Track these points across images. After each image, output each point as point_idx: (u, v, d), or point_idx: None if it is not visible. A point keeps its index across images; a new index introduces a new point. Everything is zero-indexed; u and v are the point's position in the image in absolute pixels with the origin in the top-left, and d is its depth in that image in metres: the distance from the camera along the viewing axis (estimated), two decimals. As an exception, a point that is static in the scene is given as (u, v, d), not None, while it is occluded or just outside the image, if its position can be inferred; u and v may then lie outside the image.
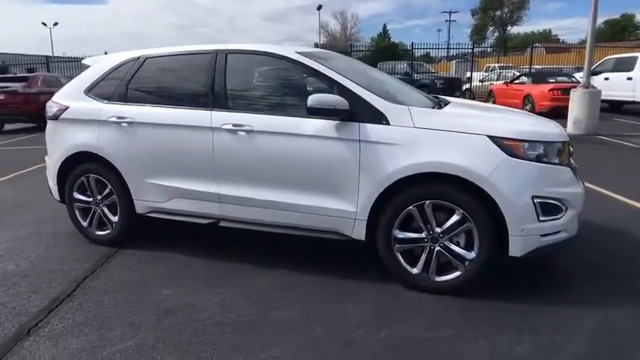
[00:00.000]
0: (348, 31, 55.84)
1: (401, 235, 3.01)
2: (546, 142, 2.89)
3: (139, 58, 3.86)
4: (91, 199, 3.98)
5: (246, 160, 3.35)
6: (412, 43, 20.10)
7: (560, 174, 2.91)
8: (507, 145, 2.81)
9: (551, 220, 2.84)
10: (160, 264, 3.53)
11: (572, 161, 3.15)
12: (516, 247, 2.82)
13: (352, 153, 3.03)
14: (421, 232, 2.98)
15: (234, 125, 3.32)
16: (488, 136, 2.82)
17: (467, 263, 2.92)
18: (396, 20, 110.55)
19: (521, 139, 2.83)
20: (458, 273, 2.95)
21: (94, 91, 3.92)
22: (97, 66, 4.03)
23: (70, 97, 4.02)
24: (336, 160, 3.08)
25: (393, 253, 3.05)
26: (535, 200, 2.77)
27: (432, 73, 21.24)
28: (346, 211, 3.12)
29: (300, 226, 3.29)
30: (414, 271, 3.02)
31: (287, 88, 3.49)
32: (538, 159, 2.83)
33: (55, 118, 3.99)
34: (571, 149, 3.18)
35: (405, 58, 22.53)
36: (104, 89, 3.89)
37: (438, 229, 2.95)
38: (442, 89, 15.55)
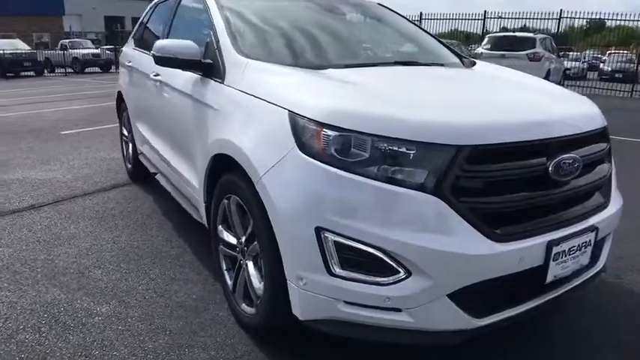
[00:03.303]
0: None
1: (224, 234, 2.24)
2: (392, 139, 1.52)
3: (154, 2, 3.99)
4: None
5: (156, 114, 3.16)
6: None
7: (402, 204, 1.50)
8: (305, 131, 1.64)
9: (364, 280, 1.55)
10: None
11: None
12: (296, 304, 1.70)
13: (198, 117, 2.39)
14: (237, 238, 2.14)
15: (154, 75, 3.08)
16: (290, 112, 1.70)
17: (258, 300, 1.95)
18: None
19: (328, 125, 1.59)
20: (253, 310, 2.01)
21: (135, 37, 4.29)
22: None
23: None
24: (189, 124, 2.50)
25: (217, 252, 2.31)
26: (323, 235, 1.56)
27: None
28: (195, 187, 2.53)
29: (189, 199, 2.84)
30: (230, 286, 2.22)
31: (194, 33, 2.95)
32: (354, 166, 1.54)
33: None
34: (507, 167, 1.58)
35: None
36: (136, 34, 4.21)
37: (243, 238, 2.05)
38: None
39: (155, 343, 2.02)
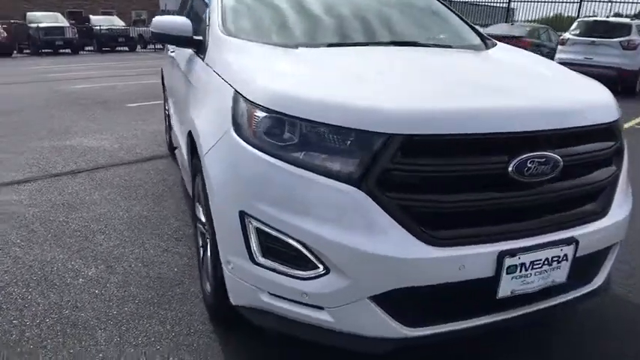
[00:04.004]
0: None
1: (198, 210, 2.23)
2: (320, 123, 1.39)
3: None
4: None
5: (172, 89, 3.21)
6: None
7: (324, 195, 1.37)
8: (240, 111, 1.56)
9: (284, 272, 1.46)
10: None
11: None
12: (228, 288, 1.65)
13: (185, 93, 2.40)
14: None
15: (171, 52, 3.15)
16: (234, 91, 1.63)
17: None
18: None
19: (259, 105, 1.49)
20: (210, 290, 1.99)
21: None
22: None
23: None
24: (182, 100, 2.53)
25: (195, 229, 2.32)
26: (247, 221, 1.48)
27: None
28: (185, 164, 2.56)
29: None
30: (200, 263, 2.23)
31: (200, 12, 2.92)
32: (281, 151, 1.43)
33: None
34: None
35: None
36: (176, 14, 4.33)
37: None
38: None
39: (119, 310, 2.10)
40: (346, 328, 1.44)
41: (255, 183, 1.46)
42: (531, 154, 1.41)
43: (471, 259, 1.38)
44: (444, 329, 1.47)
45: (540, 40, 11.67)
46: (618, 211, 1.69)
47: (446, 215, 1.38)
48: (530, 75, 1.91)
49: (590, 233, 1.57)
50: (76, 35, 18.50)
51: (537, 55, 2.32)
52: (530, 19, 18.39)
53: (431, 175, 1.36)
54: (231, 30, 2.17)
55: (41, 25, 17.62)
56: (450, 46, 2.38)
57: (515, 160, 1.39)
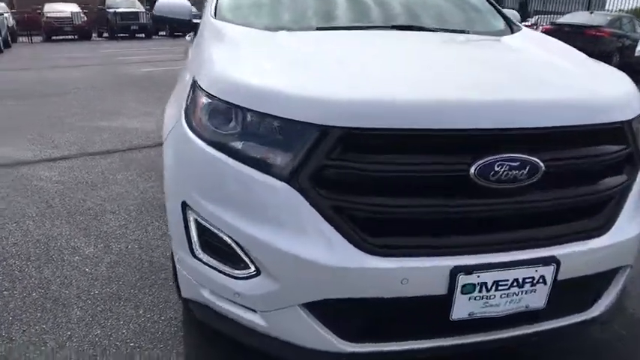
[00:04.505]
0: None
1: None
2: (260, 113, 1.26)
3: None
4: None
5: None
6: None
7: (255, 190, 1.25)
8: (192, 97, 1.49)
9: (219, 269, 1.37)
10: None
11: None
12: (179, 279, 1.60)
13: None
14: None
15: (189, 36, 3.15)
16: (194, 80, 1.54)
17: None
18: None
19: (205, 92, 1.40)
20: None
21: None
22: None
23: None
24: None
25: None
26: (187, 213, 1.41)
27: None
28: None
29: None
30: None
31: None
32: (222, 141, 1.32)
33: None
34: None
35: None
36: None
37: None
38: None
39: (101, 291, 2.14)
40: (280, 335, 1.34)
41: (195, 173, 1.38)
42: (499, 155, 1.20)
43: (417, 273, 1.21)
44: (388, 348, 1.31)
45: (623, 31, 10.47)
46: (625, 229, 1.42)
47: (389, 221, 1.22)
48: (531, 66, 1.66)
49: (579, 253, 1.33)
50: (150, 20, 19.43)
51: (563, 45, 2.01)
52: (623, 8, 16.62)
53: (373, 175, 1.20)
54: (223, 12, 2.10)
55: (118, 10, 18.71)
56: (464, 31, 2.14)
57: (479, 163, 1.19)
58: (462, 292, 1.24)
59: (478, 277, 1.23)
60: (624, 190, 1.42)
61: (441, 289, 1.23)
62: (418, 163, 1.20)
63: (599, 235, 1.37)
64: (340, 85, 1.26)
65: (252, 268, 1.30)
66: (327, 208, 1.20)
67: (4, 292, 2.12)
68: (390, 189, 1.21)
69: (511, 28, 2.31)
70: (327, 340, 1.29)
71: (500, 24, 2.35)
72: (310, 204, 1.20)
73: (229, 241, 1.31)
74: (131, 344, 1.82)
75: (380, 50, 1.69)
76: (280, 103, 1.24)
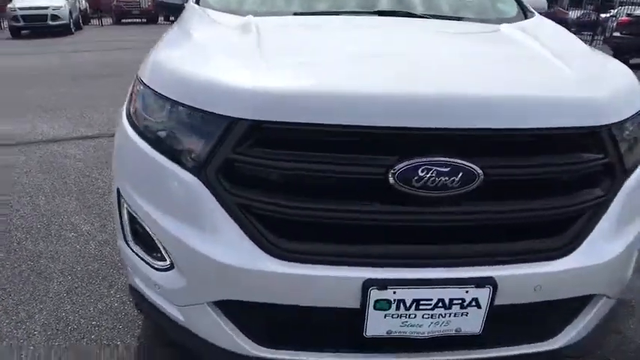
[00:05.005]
0: None
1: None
2: (177, 102, 1.21)
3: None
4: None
5: None
6: None
7: (167, 181, 1.22)
8: (133, 87, 1.47)
9: (144, 259, 1.36)
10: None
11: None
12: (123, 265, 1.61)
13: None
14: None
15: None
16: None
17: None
18: None
19: (139, 79, 1.39)
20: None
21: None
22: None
23: None
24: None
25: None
26: (121, 200, 1.41)
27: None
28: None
29: None
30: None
31: None
32: (147, 129, 1.30)
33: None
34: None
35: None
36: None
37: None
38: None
39: (83, 267, 2.22)
40: (199, 332, 1.30)
41: (126, 162, 1.39)
42: (425, 159, 1.07)
43: (324, 283, 1.12)
44: (299, 358, 1.23)
45: None
46: (596, 252, 1.23)
47: (299, 225, 1.13)
48: (504, 58, 1.47)
49: (525, 276, 1.17)
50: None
51: (569, 37, 1.77)
52: None
53: (281, 173, 1.12)
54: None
55: (183, -6, 19.35)
56: (459, 18, 1.96)
57: (400, 166, 1.07)
58: (376, 308, 1.13)
59: (394, 293, 1.12)
60: (598, 207, 1.23)
61: (352, 303, 1.14)
62: (330, 163, 1.10)
63: (556, 257, 1.19)
64: (259, 75, 1.18)
65: (168, 261, 1.27)
66: (233, 205, 1.14)
67: (-3, 262, 2.26)
68: (299, 189, 1.12)
69: (525, 14, 2.09)
70: (237, 342, 1.24)
71: (512, 10, 2.14)
72: (217, 200, 1.14)
73: (150, 231, 1.29)
74: (93, 322, 1.88)
75: (336, 39, 1.58)
76: (193, 92, 1.19)
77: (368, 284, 1.11)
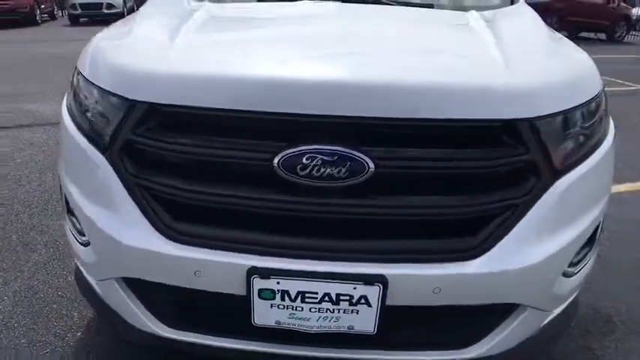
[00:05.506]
0: None
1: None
2: (95, 85, 1.27)
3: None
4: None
5: None
6: None
7: (82, 160, 1.27)
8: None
9: (71, 232, 1.44)
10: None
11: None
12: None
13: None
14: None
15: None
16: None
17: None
18: None
19: (79, 71, 1.43)
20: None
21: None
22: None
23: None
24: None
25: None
26: (61, 177, 1.48)
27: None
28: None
29: None
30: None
31: None
32: (77, 112, 1.36)
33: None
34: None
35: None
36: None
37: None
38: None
39: (64, 241, 2.35)
40: (115, 308, 1.35)
41: (61, 145, 1.45)
42: (309, 147, 1.05)
43: (209, 267, 1.14)
44: (199, 341, 1.27)
45: None
46: (514, 257, 1.15)
47: (191, 208, 1.15)
48: (446, 47, 1.39)
49: (420, 277, 1.11)
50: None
51: (536, 26, 1.65)
52: None
53: (178, 156, 1.15)
54: None
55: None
56: (431, 6, 1.89)
57: (284, 153, 1.05)
58: (260, 297, 1.13)
59: (278, 283, 1.11)
60: (516, 208, 1.14)
61: (239, 290, 1.14)
62: (220, 148, 1.11)
63: (459, 260, 1.13)
64: (160, 59, 1.20)
65: (86, 237, 1.33)
66: (134, 185, 1.18)
67: (-7, 232, 2.45)
68: (193, 172, 1.14)
69: (512, 1, 1.98)
70: (142, 320, 1.29)
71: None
72: (120, 180, 1.18)
73: (72, 206, 1.36)
74: (59, 292, 2.00)
75: (274, 25, 1.58)
76: (104, 75, 1.26)
77: (252, 272, 1.11)
